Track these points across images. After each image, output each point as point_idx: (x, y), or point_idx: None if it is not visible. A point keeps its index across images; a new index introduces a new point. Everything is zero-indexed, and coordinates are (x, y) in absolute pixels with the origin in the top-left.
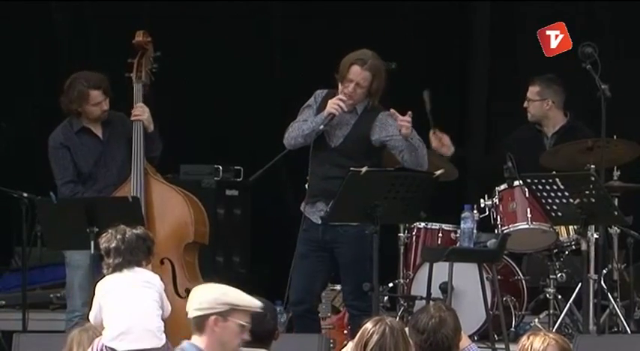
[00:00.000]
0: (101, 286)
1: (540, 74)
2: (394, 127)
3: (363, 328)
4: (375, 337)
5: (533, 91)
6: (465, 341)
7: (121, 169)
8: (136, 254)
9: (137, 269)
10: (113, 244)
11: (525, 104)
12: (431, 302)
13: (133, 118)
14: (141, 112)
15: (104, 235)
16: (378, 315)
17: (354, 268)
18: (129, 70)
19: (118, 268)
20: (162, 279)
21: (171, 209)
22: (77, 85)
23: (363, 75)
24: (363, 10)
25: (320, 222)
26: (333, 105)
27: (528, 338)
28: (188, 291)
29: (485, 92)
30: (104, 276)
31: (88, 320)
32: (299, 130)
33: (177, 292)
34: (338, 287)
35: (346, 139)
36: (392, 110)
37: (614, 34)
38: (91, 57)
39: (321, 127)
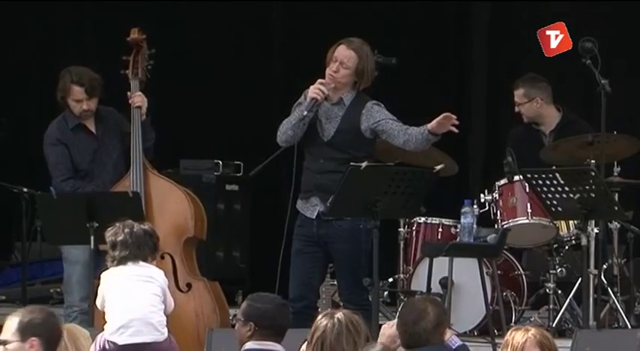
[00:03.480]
0: (105, 278)
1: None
2: (381, 113)
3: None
4: (319, 331)
5: (519, 94)
6: (447, 334)
7: (116, 165)
8: (143, 249)
9: (142, 263)
10: (120, 237)
11: (517, 109)
12: (418, 295)
13: (134, 105)
14: (141, 100)
15: (111, 228)
16: (378, 310)
17: (349, 262)
18: (125, 67)
19: (123, 261)
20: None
21: (171, 204)
22: (65, 76)
23: (348, 53)
24: (363, 10)
25: (314, 217)
26: (314, 90)
27: (511, 334)
28: (189, 285)
29: (484, 92)
30: (107, 269)
31: (86, 314)
32: (287, 123)
33: (178, 287)
34: None
35: (337, 132)
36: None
37: (613, 32)
38: (88, 54)
39: (305, 113)
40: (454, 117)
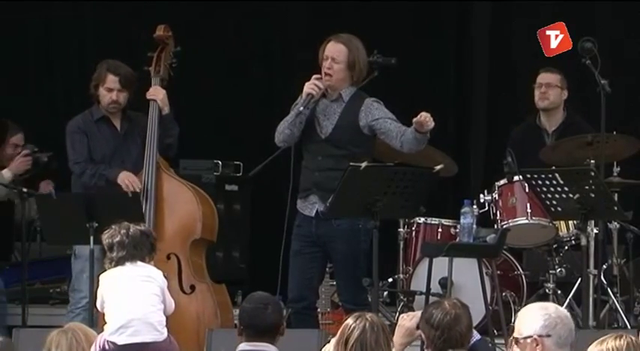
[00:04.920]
0: (104, 279)
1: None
2: (380, 110)
3: (344, 324)
4: (356, 333)
5: (555, 78)
6: None
7: (135, 163)
8: (140, 249)
9: (140, 263)
10: (117, 239)
11: (543, 90)
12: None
13: (148, 97)
14: (155, 92)
15: (107, 230)
16: (377, 311)
17: (347, 262)
18: (148, 63)
19: (121, 261)
20: (167, 274)
21: (181, 205)
22: (102, 65)
23: (337, 48)
24: (362, 9)
25: (313, 215)
26: (309, 85)
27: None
28: (193, 287)
29: (485, 92)
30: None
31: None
32: (284, 122)
33: (182, 288)
34: None
35: (335, 128)
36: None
37: (613, 32)
38: (88, 54)
39: (302, 109)
40: (427, 115)
